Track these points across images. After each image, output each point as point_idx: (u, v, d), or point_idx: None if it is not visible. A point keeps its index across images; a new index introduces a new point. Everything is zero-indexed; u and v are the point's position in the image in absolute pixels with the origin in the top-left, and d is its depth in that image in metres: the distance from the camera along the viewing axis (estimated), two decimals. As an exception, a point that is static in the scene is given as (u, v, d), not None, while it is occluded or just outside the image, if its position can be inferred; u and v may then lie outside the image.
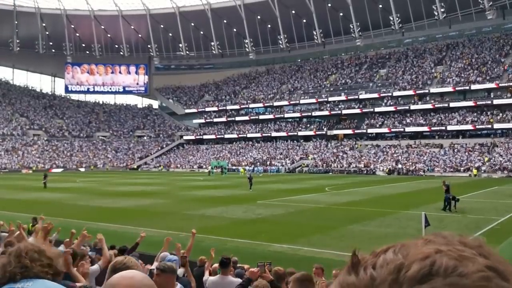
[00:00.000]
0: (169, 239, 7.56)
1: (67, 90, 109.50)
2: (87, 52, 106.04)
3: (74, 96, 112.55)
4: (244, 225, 18.81)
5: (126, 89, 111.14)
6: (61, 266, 2.10)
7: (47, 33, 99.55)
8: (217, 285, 6.03)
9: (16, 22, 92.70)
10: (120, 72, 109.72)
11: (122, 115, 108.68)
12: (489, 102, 65.96)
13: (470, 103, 67.16)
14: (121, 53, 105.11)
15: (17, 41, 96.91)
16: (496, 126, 63.46)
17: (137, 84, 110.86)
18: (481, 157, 59.81)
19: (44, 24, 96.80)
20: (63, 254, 4.94)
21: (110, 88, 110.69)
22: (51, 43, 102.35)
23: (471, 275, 0.46)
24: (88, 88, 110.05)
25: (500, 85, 65.67)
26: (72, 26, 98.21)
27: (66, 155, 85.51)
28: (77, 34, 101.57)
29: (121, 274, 1.34)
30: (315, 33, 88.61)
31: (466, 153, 61.91)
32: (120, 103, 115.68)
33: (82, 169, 79.80)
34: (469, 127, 65.41)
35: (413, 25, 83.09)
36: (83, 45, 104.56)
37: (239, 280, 6.10)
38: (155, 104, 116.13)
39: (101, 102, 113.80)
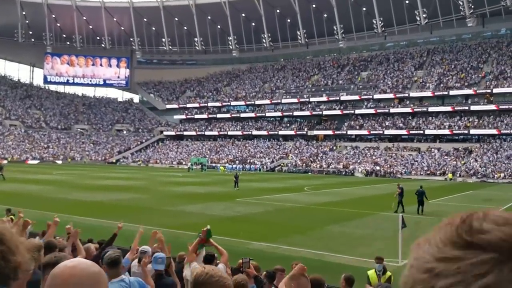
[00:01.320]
0: (141, 232, 7.33)
1: (46, 80, 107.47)
2: (68, 43, 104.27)
3: (53, 87, 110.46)
4: (223, 223, 18.80)
5: (107, 82, 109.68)
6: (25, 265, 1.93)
7: (27, 21, 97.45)
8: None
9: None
10: (101, 65, 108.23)
11: (102, 108, 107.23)
12: (467, 108, 67.29)
13: (448, 109, 68.41)
14: (103, 45, 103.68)
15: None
16: (472, 131, 64.81)
17: (118, 77, 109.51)
18: (457, 161, 60.98)
19: (24, 13, 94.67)
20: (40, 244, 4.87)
21: (90, 81, 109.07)
22: (30, 32, 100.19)
23: None
24: (67, 80, 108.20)
25: (477, 91, 67.06)
26: (53, 15, 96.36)
27: (42, 147, 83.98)
28: (58, 24, 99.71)
29: (64, 263, 1.26)
30: (299, 33, 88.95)
31: (442, 157, 63.04)
32: (100, 96, 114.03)
33: (59, 162, 78.51)
34: (446, 131, 66.66)
35: (396, 29, 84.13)
36: (64, 35, 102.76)
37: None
38: (136, 98, 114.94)
39: (80, 94, 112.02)
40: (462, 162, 60.38)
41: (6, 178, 37.51)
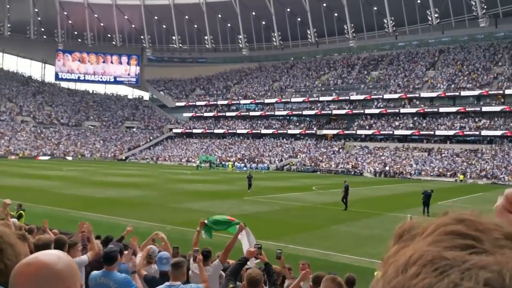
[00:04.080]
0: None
1: (57, 77, 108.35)
2: (79, 40, 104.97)
3: (64, 84, 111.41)
4: (229, 221, 18.80)
5: (117, 79, 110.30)
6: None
7: (39, 18, 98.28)
8: (196, 275, 6.05)
9: (8, 6, 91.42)
10: (111, 62, 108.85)
11: (112, 105, 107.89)
12: (478, 109, 66.62)
13: (459, 109, 67.80)
14: (114, 42, 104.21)
15: (8, 25, 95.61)
16: (483, 133, 64.13)
17: (129, 74, 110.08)
18: (468, 163, 60.45)
19: (36, 10, 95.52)
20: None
21: (101, 78, 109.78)
22: (42, 29, 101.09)
23: None
24: (78, 77, 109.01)
25: (489, 92, 66.36)
26: (65, 13, 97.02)
27: (53, 143, 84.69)
28: (70, 22, 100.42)
29: (27, 257, 1.21)
30: (309, 32, 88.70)
31: (453, 159, 62.52)
32: (110, 93, 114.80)
33: (69, 158, 79.15)
34: (457, 132, 66.06)
35: (407, 29, 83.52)
36: (75, 32, 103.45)
37: (218, 272, 6.13)
38: (146, 95, 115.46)
39: (91, 91, 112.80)
40: (473, 164, 59.84)
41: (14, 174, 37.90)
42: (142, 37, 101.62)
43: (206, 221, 7.60)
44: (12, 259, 1.74)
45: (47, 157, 76.74)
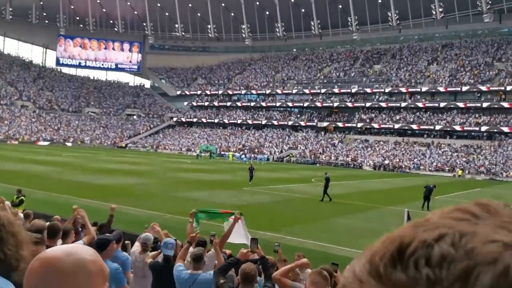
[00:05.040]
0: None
1: (58, 62, 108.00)
2: (81, 25, 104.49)
3: (65, 70, 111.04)
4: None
5: (119, 66, 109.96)
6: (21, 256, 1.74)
7: (41, 3, 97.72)
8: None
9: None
10: (113, 49, 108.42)
11: (113, 92, 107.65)
12: (479, 104, 66.55)
13: (460, 105, 67.70)
14: (116, 29, 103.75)
15: (10, 9, 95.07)
16: (483, 128, 64.16)
17: (130, 62, 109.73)
18: (467, 158, 60.50)
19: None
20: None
21: (102, 64, 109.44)
22: (44, 14, 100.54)
23: None
24: (79, 63, 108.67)
25: (491, 88, 66.24)
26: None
27: (53, 129, 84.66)
28: (72, 7, 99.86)
29: (44, 253, 1.14)
30: (312, 23, 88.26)
31: (452, 154, 62.55)
32: (112, 80, 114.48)
33: (69, 144, 79.17)
34: (457, 128, 66.06)
35: (411, 22, 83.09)
36: (77, 18, 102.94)
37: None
38: (147, 83, 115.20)
39: (92, 78, 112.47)
40: (472, 159, 59.89)
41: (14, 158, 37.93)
42: (144, 24, 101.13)
43: (195, 211, 7.74)
44: (12, 248, 1.73)
45: (46, 143, 76.77)
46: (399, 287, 0.39)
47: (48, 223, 5.29)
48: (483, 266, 0.39)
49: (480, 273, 0.38)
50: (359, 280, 0.43)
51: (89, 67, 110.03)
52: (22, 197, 12.56)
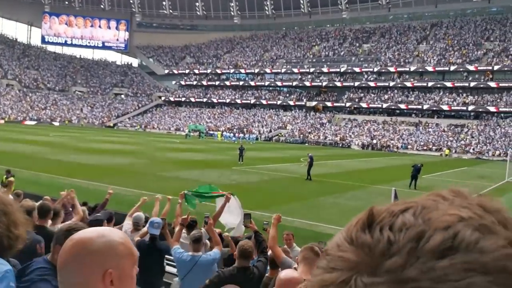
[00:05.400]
0: (145, 200, 7.81)
1: (43, 40, 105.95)
2: (66, 2, 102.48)
3: (51, 48, 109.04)
4: (217, 190, 18.94)
5: (106, 44, 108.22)
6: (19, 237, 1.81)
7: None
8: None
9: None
10: (100, 26, 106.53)
11: (100, 71, 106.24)
12: (467, 84, 67.00)
13: (448, 84, 68.09)
14: (102, 6, 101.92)
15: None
16: (470, 108, 64.78)
17: (117, 40, 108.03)
18: (454, 137, 61.16)
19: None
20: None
21: (89, 42, 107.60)
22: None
23: (493, 253, 0.43)
24: (65, 41, 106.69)
25: (478, 68, 66.64)
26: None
27: (40, 108, 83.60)
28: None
29: (79, 233, 1.21)
30: (302, 2, 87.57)
31: (439, 133, 63.16)
32: (98, 59, 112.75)
33: (56, 123, 78.36)
34: (445, 107, 66.58)
35: (400, 1, 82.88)
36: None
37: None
38: (135, 62, 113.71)
39: (78, 56, 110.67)
40: (459, 138, 60.56)
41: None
42: (131, 1, 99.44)
43: (185, 192, 7.85)
44: (2, 226, 1.75)
45: (33, 122, 75.90)
46: (364, 247, 0.46)
47: (38, 203, 5.31)
48: (435, 231, 0.45)
49: (431, 236, 0.44)
50: (337, 245, 0.49)
51: (75, 45, 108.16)
52: (12, 177, 12.47)
